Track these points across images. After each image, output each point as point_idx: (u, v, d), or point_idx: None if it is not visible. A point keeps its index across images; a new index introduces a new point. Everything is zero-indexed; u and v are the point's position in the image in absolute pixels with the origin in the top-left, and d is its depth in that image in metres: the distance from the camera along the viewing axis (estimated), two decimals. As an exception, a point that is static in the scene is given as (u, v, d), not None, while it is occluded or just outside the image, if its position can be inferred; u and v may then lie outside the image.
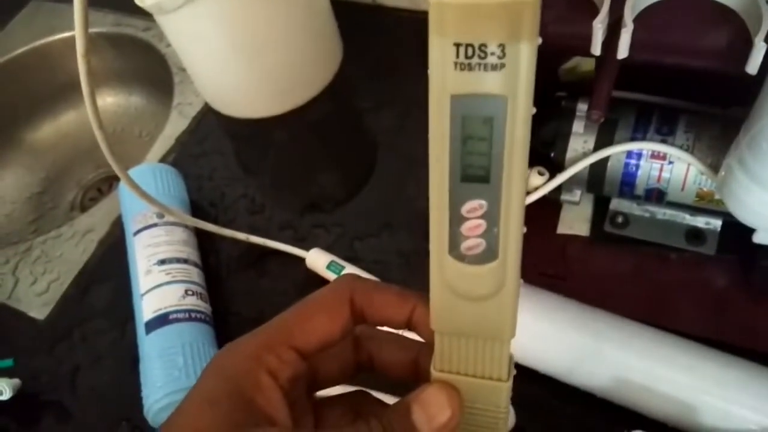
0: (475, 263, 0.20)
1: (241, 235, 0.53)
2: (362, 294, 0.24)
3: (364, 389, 0.27)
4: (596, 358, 0.40)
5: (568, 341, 0.40)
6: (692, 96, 0.43)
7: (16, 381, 0.50)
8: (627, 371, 0.39)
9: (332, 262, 0.50)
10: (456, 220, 0.20)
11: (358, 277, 0.25)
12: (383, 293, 0.24)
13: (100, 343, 0.53)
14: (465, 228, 0.20)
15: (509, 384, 0.23)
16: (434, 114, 0.18)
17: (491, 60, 0.17)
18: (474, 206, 0.19)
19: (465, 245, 0.20)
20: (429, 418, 0.22)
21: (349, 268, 0.49)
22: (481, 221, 0.19)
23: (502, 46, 0.17)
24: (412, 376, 0.25)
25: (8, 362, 0.51)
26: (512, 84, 0.17)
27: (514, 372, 0.23)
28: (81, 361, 0.52)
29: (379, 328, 0.25)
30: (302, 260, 0.52)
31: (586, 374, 0.40)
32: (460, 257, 0.20)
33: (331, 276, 0.50)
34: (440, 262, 0.21)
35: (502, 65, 0.17)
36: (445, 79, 0.18)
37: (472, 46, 0.17)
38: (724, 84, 0.41)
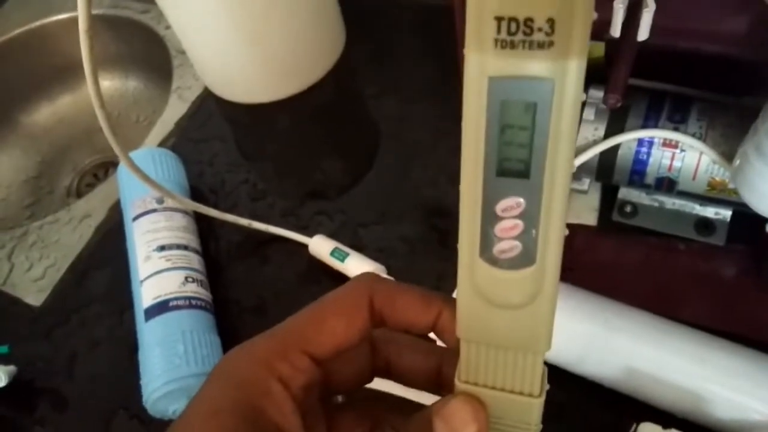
0: (509, 268, 0.18)
1: (243, 221, 0.52)
2: (383, 295, 0.22)
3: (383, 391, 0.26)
4: (605, 347, 0.39)
5: (576, 331, 0.40)
6: (705, 84, 0.43)
7: (12, 368, 0.49)
8: (636, 361, 0.38)
9: (336, 248, 0.49)
10: (489, 219, 0.18)
11: (379, 276, 0.23)
12: (406, 295, 0.22)
13: (98, 330, 0.52)
14: (499, 228, 0.18)
15: (541, 400, 0.20)
16: (469, 98, 0.16)
17: (538, 37, 0.15)
18: (510, 204, 0.17)
19: (498, 247, 0.18)
20: None
21: (354, 255, 0.49)
22: (518, 221, 0.17)
23: (551, 21, 0.15)
24: (433, 385, 0.24)
25: (3, 349, 0.50)
26: (561, 66, 0.15)
27: (548, 387, 0.21)
28: (78, 349, 0.51)
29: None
30: (305, 247, 0.51)
31: (594, 364, 0.40)
32: (493, 261, 0.18)
33: (334, 263, 0.49)
34: (470, 265, 0.18)
35: (551, 43, 0.15)
36: (483, 58, 0.15)
37: (516, 20, 0.15)
38: (738, 72, 0.40)
